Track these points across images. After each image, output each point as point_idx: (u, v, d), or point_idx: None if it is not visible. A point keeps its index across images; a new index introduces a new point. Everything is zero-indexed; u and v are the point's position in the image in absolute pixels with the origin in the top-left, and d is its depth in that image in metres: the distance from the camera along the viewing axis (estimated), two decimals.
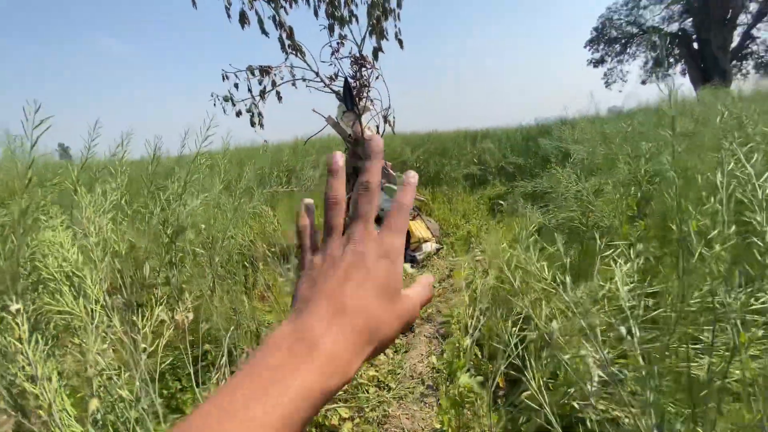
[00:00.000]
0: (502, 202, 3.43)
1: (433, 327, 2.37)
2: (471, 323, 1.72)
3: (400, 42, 3.64)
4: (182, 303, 1.33)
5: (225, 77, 3.54)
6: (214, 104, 3.65)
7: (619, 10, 17.53)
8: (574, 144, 3.06)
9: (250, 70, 3.63)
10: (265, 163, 3.31)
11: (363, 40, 3.62)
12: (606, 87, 19.41)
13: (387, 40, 3.54)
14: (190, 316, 1.37)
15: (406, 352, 2.16)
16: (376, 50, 3.48)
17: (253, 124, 3.85)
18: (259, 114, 3.75)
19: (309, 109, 3.78)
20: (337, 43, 3.60)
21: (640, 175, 1.69)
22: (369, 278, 0.29)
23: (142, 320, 1.07)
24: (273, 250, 2.23)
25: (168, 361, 1.52)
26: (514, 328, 1.23)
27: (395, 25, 3.54)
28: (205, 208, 1.60)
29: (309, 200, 0.37)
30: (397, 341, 2.27)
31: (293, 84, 3.76)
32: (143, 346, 1.04)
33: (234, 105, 3.61)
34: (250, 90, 3.66)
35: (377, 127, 3.90)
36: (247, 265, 2.26)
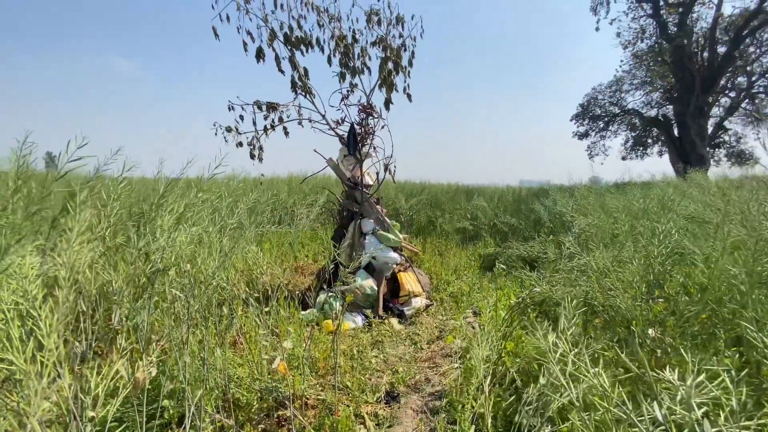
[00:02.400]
0: (497, 262, 3.36)
1: (422, 399, 2.16)
2: (474, 406, 1.54)
3: (409, 96, 3.76)
4: (147, 356, 1.15)
5: (231, 108, 3.55)
6: (216, 133, 3.63)
7: (604, 91, 19.25)
8: (574, 213, 3.08)
9: (258, 104, 3.66)
10: (261, 199, 3.21)
11: (372, 90, 3.74)
12: (589, 158, 20.65)
13: (397, 92, 3.66)
14: (153, 371, 1.17)
15: (389, 426, 1.93)
16: (388, 102, 3.57)
17: (252, 156, 3.81)
18: (260, 148, 3.73)
19: (308, 147, 3.79)
20: (347, 91, 3.70)
21: (652, 256, 1.65)
22: None
23: (97, 377, 0.88)
24: (255, 294, 2.05)
25: (116, 416, 1.28)
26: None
27: (404, 80, 3.68)
28: (193, 246, 1.46)
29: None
30: (379, 412, 2.04)
31: (299, 123, 3.80)
32: (90, 414, 0.85)
33: (238, 135, 3.58)
34: (254, 123, 3.67)
35: (377, 174, 3.91)
36: (225, 309, 2.07)
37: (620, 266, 1.81)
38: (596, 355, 1.01)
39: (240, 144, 3.69)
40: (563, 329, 1.01)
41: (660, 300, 1.88)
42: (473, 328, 3.06)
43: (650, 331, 1.76)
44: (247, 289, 1.89)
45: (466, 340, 2.32)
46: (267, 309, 2.26)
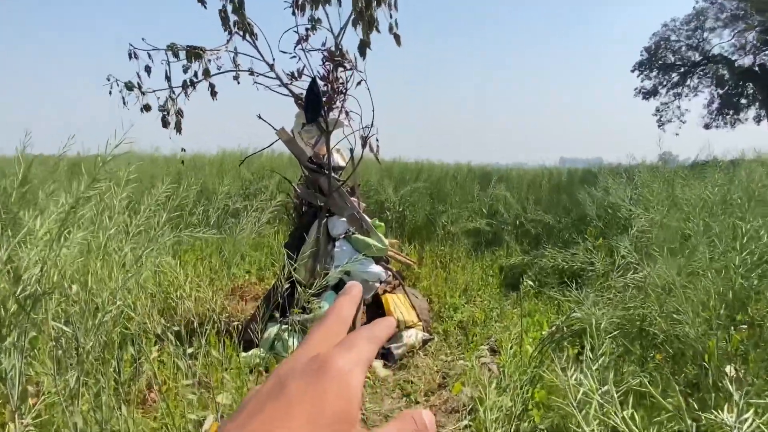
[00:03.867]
0: (524, 278, 3.47)
1: None
2: None
3: (397, 38, 3.82)
4: (18, 417, 1.18)
5: (133, 55, 3.53)
6: (110, 91, 3.60)
7: (679, 29, 19.67)
8: (633, 206, 3.22)
9: (173, 50, 3.65)
10: (182, 186, 3.22)
11: (344, 29, 3.77)
12: (658, 126, 21.25)
13: (378, 31, 3.70)
14: None
15: None
16: (364, 45, 3.62)
17: (166, 124, 3.81)
18: (178, 112, 3.72)
19: (250, 112, 3.80)
20: (307, 30, 3.73)
21: (733, 266, 1.77)
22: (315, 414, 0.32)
23: None
24: (174, 327, 2.09)
25: None
26: None
27: (390, 15, 3.73)
28: (83, 258, 1.48)
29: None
30: None
31: (235, 77, 3.80)
32: None
33: (142, 95, 3.57)
34: (168, 78, 3.66)
35: (352, 151, 3.96)
36: (131, 349, 2.09)
37: (690, 281, 1.93)
38: (633, 394, 1.10)
39: (147, 107, 3.67)
40: (588, 360, 1.09)
41: (742, 327, 2.01)
42: (490, 370, 3.17)
43: (728, 368, 1.89)
44: (162, 320, 1.93)
45: (479, 389, 2.42)
46: (192, 349, 2.29)
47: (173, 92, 3.62)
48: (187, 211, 3.19)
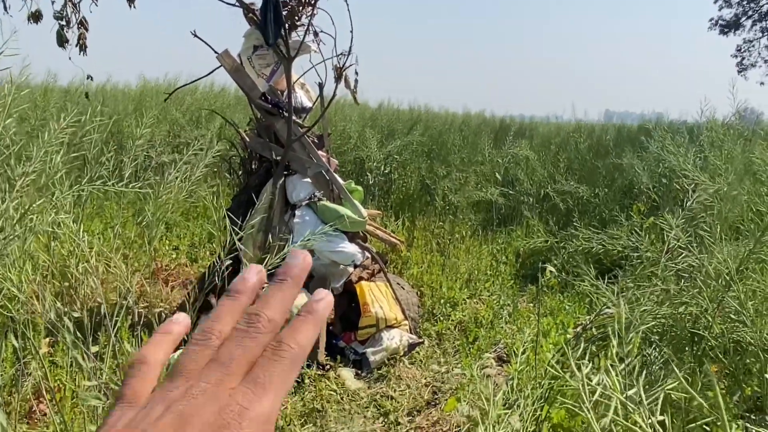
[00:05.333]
0: (547, 265, 3.52)
1: None
2: None
3: None
4: None
5: None
6: None
7: None
8: (698, 173, 3.27)
9: None
10: (87, 126, 3.17)
11: None
12: (738, 72, 21.41)
13: None
14: None
15: None
16: None
17: (62, 42, 3.74)
18: (81, 24, 3.65)
19: (182, 30, 3.74)
20: None
21: None
22: None
23: None
24: (77, 313, 2.11)
25: None
26: None
27: None
28: None
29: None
30: None
31: None
32: None
33: None
34: None
35: (321, 86, 3.94)
36: (14, 341, 2.11)
37: (757, 270, 1.99)
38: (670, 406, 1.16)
39: (36, 16, 3.59)
40: (614, 358, 1.14)
41: None
42: (496, 385, 3.25)
43: None
44: (57, 304, 1.94)
45: (479, 405, 2.49)
46: (97, 347, 2.30)
47: None
48: (92, 159, 3.14)
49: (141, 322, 2.89)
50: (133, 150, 4.90)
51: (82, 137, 3.40)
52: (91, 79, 4.44)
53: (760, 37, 20.86)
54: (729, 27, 20.88)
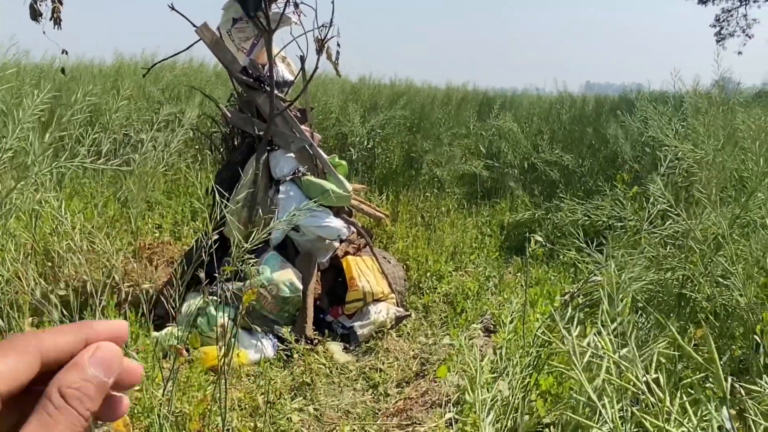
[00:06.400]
0: (533, 237, 3.54)
1: None
2: None
3: None
4: None
5: None
6: None
7: None
8: (679, 141, 3.30)
9: None
10: (64, 101, 3.11)
11: None
12: (717, 42, 21.48)
13: None
14: None
15: None
16: None
17: (35, 15, 3.65)
18: None
19: (162, 4, 3.66)
20: None
21: None
22: None
23: None
24: (63, 291, 2.08)
25: None
26: None
27: None
28: None
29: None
30: None
31: None
32: None
33: None
34: None
35: (303, 59, 3.89)
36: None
37: (744, 234, 2.02)
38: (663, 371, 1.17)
39: None
40: (606, 320, 1.15)
41: None
42: (483, 354, 3.28)
43: None
44: (42, 282, 1.91)
45: (468, 375, 2.52)
46: None
47: None
48: (71, 137, 3.09)
49: (128, 300, 2.87)
50: (109, 126, 4.83)
51: (60, 116, 3.34)
52: (66, 54, 4.35)
53: (738, 6, 20.92)
54: None
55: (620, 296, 1.38)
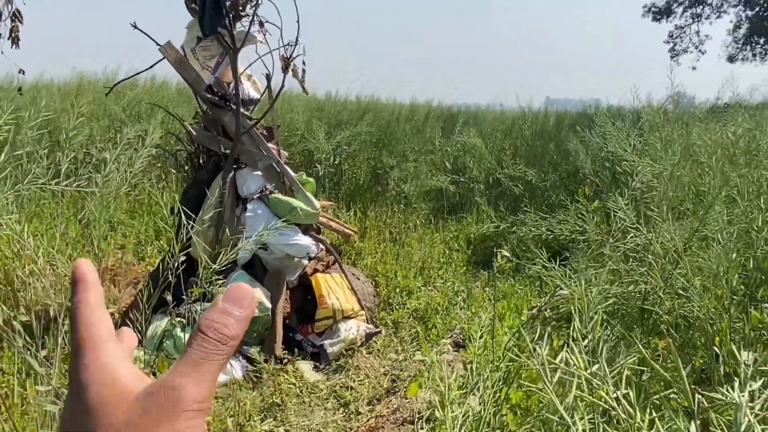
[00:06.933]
0: (498, 251, 3.59)
1: None
2: None
3: None
4: None
5: None
6: None
7: None
8: (638, 156, 3.39)
9: None
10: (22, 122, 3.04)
11: None
12: (672, 58, 22.16)
13: None
14: None
15: None
16: None
17: None
18: (15, 16, 3.52)
19: (121, 20, 3.64)
20: None
21: (755, 228, 1.92)
22: None
23: None
24: (24, 317, 2.04)
25: None
26: None
27: None
28: None
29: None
30: None
31: None
32: None
33: None
34: None
35: (268, 77, 3.90)
36: None
37: (702, 248, 2.08)
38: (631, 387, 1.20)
39: None
40: (577, 335, 1.18)
41: (764, 304, 2.20)
42: (453, 369, 3.30)
43: (745, 354, 2.07)
44: (4, 308, 1.87)
45: (439, 391, 2.53)
46: (45, 351, 2.24)
47: None
48: (26, 157, 3.02)
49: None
50: (67, 145, 4.74)
51: (16, 135, 3.27)
52: (23, 73, 4.27)
53: (691, 23, 21.63)
54: (661, 14, 21.57)
55: (589, 312, 1.41)
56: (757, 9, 20.38)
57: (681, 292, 1.99)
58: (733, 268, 1.98)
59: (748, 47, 21.24)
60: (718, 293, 1.98)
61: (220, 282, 2.56)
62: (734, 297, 1.93)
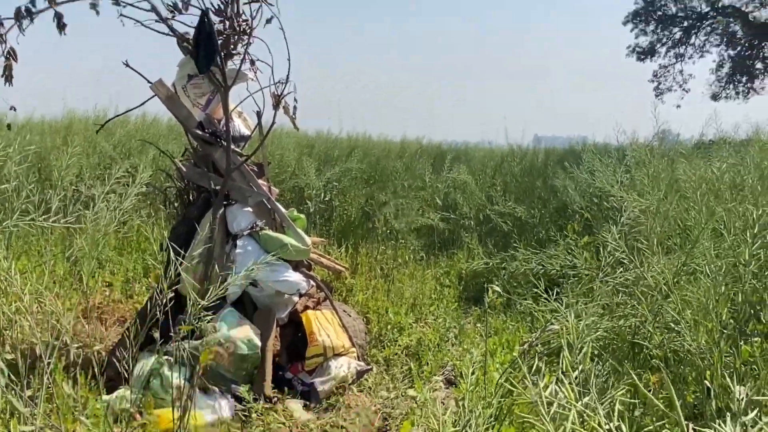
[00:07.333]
0: (489, 286, 3.60)
1: None
2: None
3: None
4: None
5: None
6: None
7: None
8: (625, 191, 3.43)
9: None
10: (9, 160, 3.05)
11: None
12: (656, 96, 22.55)
13: None
14: None
15: None
16: None
17: None
18: (9, 54, 3.53)
19: (114, 58, 3.67)
20: None
21: (743, 262, 1.94)
22: None
23: None
24: (10, 355, 2.01)
25: None
26: None
27: None
28: None
29: None
30: None
31: (93, 5, 3.64)
32: None
33: None
34: None
35: (259, 114, 3.93)
36: None
37: (690, 281, 2.09)
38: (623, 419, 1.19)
39: None
40: (568, 368, 1.17)
41: (754, 338, 2.20)
42: (445, 406, 3.26)
43: (738, 389, 2.07)
44: None
45: (433, 429, 2.50)
46: (30, 391, 2.20)
47: (1, 25, 3.43)
48: (13, 193, 3.02)
49: (78, 363, 2.77)
50: (59, 182, 4.74)
51: (8, 170, 3.27)
52: (14, 110, 4.29)
53: (674, 63, 22.08)
54: (645, 54, 22.02)
55: (579, 345, 1.41)
56: (738, 49, 20.87)
57: (671, 325, 1.99)
58: (722, 301, 1.99)
59: (731, 86, 21.66)
60: (708, 327, 1.99)
61: (208, 318, 2.54)
62: (724, 331, 1.93)
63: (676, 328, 2.00)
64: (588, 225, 5.60)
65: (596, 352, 2.16)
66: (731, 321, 2.09)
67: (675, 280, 2.17)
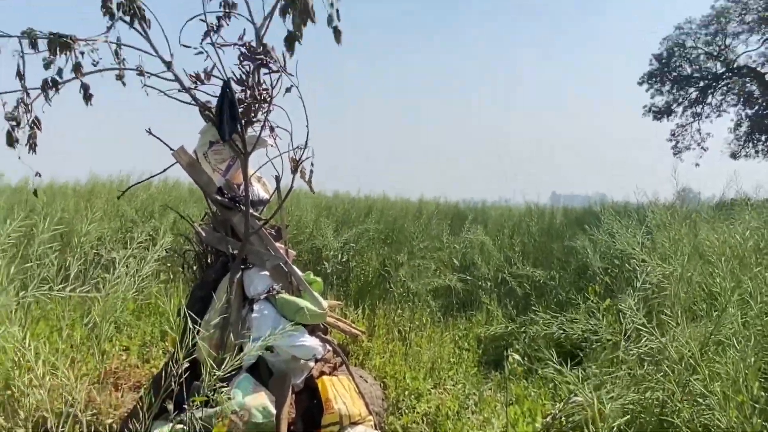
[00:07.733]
0: (509, 351, 3.53)
1: None
2: None
3: (337, 33, 3.92)
4: None
5: None
6: None
7: (695, 32, 21.19)
8: (646, 254, 3.38)
9: (30, 37, 3.59)
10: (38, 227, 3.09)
11: (269, 18, 3.85)
12: (674, 155, 22.60)
13: (314, 22, 3.79)
14: None
15: None
16: (293, 38, 3.69)
17: (11, 142, 3.68)
18: (34, 123, 3.62)
19: (138, 126, 3.76)
20: (218, 18, 3.77)
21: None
22: None
23: None
24: (21, 429, 1.98)
25: None
26: None
27: (331, 4, 3.83)
28: None
29: None
30: None
31: (118, 77, 3.76)
32: None
33: None
34: (20, 75, 3.57)
35: (278, 179, 3.97)
36: None
37: (718, 353, 2.02)
38: None
39: None
40: None
41: None
42: None
43: None
44: (1, 420, 1.82)
45: None
46: None
47: (28, 95, 3.53)
48: (36, 260, 3.04)
49: None
50: (80, 247, 4.78)
51: (35, 237, 3.31)
52: (39, 176, 4.38)
53: (692, 122, 22.18)
54: (661, 113, 22.19)
55: (606, 426, 1.36)
56: (756, 108, 20.93)
57: (699, 399, 1.92)
58: (752, 374, 1.92)
59: (750, 144, 21.64)
60: (739, 401, 1.91)
61: (222, 388, 2.50)
62: (755, 405, 1.86)
63: (704, 403, 1.93)
64: (609, 288, 5.52)
65: (622, 428, 2.08)
66: (762, 394, 2.01)
67: (702, 350, 2.10)
